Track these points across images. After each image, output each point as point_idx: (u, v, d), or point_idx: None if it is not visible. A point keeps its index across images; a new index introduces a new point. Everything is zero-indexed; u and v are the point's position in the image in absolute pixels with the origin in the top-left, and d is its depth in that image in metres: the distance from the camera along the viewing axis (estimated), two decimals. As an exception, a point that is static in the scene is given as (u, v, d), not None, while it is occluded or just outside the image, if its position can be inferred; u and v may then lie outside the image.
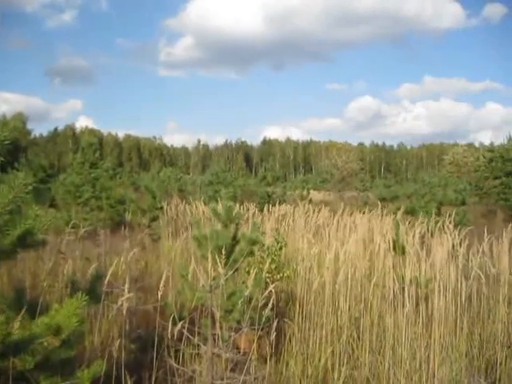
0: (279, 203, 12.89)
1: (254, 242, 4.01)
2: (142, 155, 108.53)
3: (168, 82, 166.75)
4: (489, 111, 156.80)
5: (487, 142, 47.83)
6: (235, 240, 4.05)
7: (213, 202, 6.22)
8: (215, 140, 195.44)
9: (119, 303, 2.94)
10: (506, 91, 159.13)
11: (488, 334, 4.49)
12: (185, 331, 3.36)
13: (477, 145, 74.36)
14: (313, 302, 4.66)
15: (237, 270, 4.02)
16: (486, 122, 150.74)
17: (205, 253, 3.72)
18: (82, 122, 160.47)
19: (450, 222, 6.29)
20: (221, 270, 3.35)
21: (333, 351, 4.05)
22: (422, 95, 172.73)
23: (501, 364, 4.10)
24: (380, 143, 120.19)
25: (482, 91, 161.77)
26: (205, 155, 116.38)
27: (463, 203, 12.44)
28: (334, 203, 21.61)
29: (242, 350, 3.89)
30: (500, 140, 21.41)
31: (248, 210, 10.76)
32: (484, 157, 23.57)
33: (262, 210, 10.97)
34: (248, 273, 4.53)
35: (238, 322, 3.63)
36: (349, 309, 4.60)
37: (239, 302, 3.59)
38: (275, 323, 3.30)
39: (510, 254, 5.42)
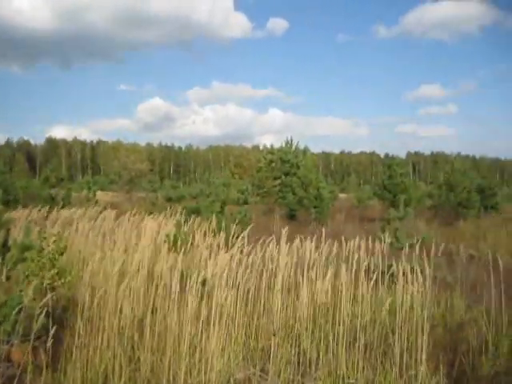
0: (64, 205, 12.35)
1: (27, 248, 3.78)
2: None
3: None
4: (271, 116, 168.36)
5: (270, 145, 51.18)
6: (6, 247, 3.78)
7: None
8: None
9: None
10: (285, 99, 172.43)
11: (263, 324, 4.81)
12: None
13: (261, 147, 78.99)
14: (96, 306, 4.55)
15: (9, 278, 3.76)
16: (269, 126, 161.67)
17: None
18: None
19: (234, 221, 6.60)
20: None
21: (114, 355, 4.00)
22: (210, 99, 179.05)
23: (269, 352, 4.43)
24: (169, 144, 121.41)
25: (264, 97, 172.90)
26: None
27: (246, 202, 13.13)
28: (122, 204, 21.30)
29: (15, 363, 3.66)
30: (280, 143, 23.40)
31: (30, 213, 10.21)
32: (265, 158, 25.19)
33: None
34: (27, 279, 4.28)
35: (10, 334, 3.40)
36: (132, 310, 4.59)
37: (12, 312, 3.37)
38: (52, 331, 3.17)
39: (290, 250, 5.89)
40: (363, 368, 4.20)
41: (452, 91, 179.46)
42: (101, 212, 9.83)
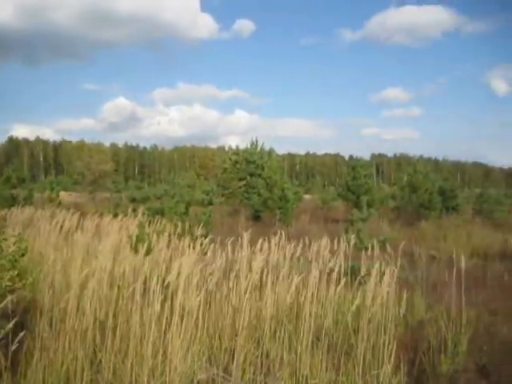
0: (25, 206, 12.15)
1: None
2: None
3: None
4: (237, 117, 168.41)
5: (235, 146, 51.26)
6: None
7: None
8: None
9: None
10: (251, 100, 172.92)
11: (227, 325, 4.81)
12: None
13: (226, 148, 78.99)
14: (57, 308, 4.49)
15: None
16: (235, 127, 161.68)
17: None
18: None
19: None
20: None
21: (76, 357, 3.95)
22: (176, 100, 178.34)
23: (233, 352, 4.44)
24: (134, 144, 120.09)
25: (230, 99, 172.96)
26: None
27: (211, 203, 13.12)
28: (86, 205, 21.04)
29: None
30: (246, 144, 23.46)
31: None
32: (230, 159, 25.19)
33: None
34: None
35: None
36: (94, 312, 4.53)
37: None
38: (10, 334, 3.11)
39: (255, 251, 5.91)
40: (326, 368, 4.23)
41: (415, 94, 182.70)
42: (63, 212, 9.66)
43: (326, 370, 4.22)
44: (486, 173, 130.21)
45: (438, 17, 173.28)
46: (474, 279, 6.35)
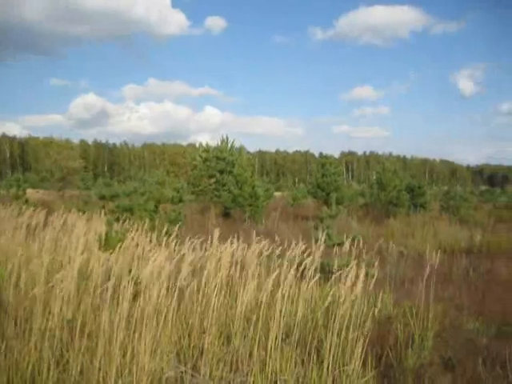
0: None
1: None
2: None
3: None
4: (207, 115, 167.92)
5: (206, 143, 51.17)
6: None
7: None
8: None
9: None
10: (222, 97, 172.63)
11: (196, 323, 4.80)
12: None
13: (197, 145, 78.46)
14: (23, 307, 4.42)
15: None
16: (205, 124, 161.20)
17: None
18: None
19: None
20: None
21: (42, 357, 3.88)
22: (146, 96, 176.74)
23: (202, 350, 4.43)
24: (103, 141, 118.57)
25: (200, 96, 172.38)
26: None
27: (181, 201, 13.04)
28: (54, 203, 20.72)
29: None
30: (216, 142, 23.35)
31: None
32: (200, 157, 25.07)
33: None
34: None
35: None
36: (60, 310, 4.46)
37: None
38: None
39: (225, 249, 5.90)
40: (295, 364, 4.25)
41: (384, 93, 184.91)
42: (30, 210, 9.50)
43: (295, 365, 4.24)
44: (452, 170, 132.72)
45: (406, 17, 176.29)
46: (440, 275, 6.46)
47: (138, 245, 6.26)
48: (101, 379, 3.71)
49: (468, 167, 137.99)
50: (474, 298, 7.47)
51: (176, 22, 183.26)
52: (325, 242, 6.10)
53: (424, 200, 24.57)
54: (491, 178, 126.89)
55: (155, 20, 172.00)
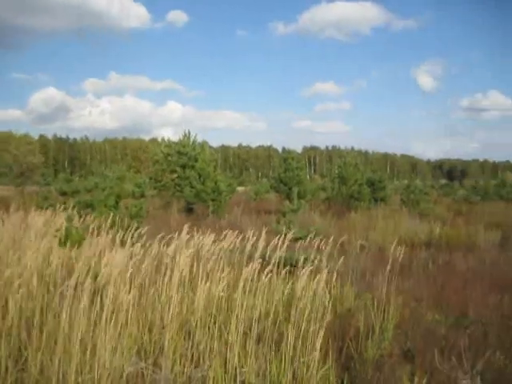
0: None
1: None
2: None
3: None
4: (170, 109, 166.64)
5: (168, 138, 50.84)
6: None
7: None
8: None
9: None
10: (184, 92, 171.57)
11: (157, 318, 4.78)
12: None
13: (159, 140, 77.81)
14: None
15: None
16: (168, 118, 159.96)
17: None
18: None
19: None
20: None
21: (-1, 356, 3.82)
22: (107, 90, 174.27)
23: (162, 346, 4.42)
24: (64, 136, 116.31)
25: (163, 90, 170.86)
26: None
27: (142, 196, 12.95)
28: (13, 199, 20.29)
29: None
30: (179, 136, 23.14)
31: None
32: (162, 152, 24.86)
33: None
34: None
35: None
36: (20, 308, 4.39)
37: None
38: None
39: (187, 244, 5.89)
40: (256, 357, 4.28)
41: (346, 89, 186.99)
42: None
43: (256, 358, 4.27)
44: (413, 165, 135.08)
45: (367, 13, 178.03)
46: (401, 267, 6.57)
47: (98, 241, 6.19)
48: (61, 377, 3.67)
49: (428, 162, 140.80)
50: (433, 290, 7.64)
51: (137, 15, 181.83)
52: (286, 235, 6.15)
53: (385, 194, 24.92)
54: (450, 172, 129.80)
55: (116, 13, 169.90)
